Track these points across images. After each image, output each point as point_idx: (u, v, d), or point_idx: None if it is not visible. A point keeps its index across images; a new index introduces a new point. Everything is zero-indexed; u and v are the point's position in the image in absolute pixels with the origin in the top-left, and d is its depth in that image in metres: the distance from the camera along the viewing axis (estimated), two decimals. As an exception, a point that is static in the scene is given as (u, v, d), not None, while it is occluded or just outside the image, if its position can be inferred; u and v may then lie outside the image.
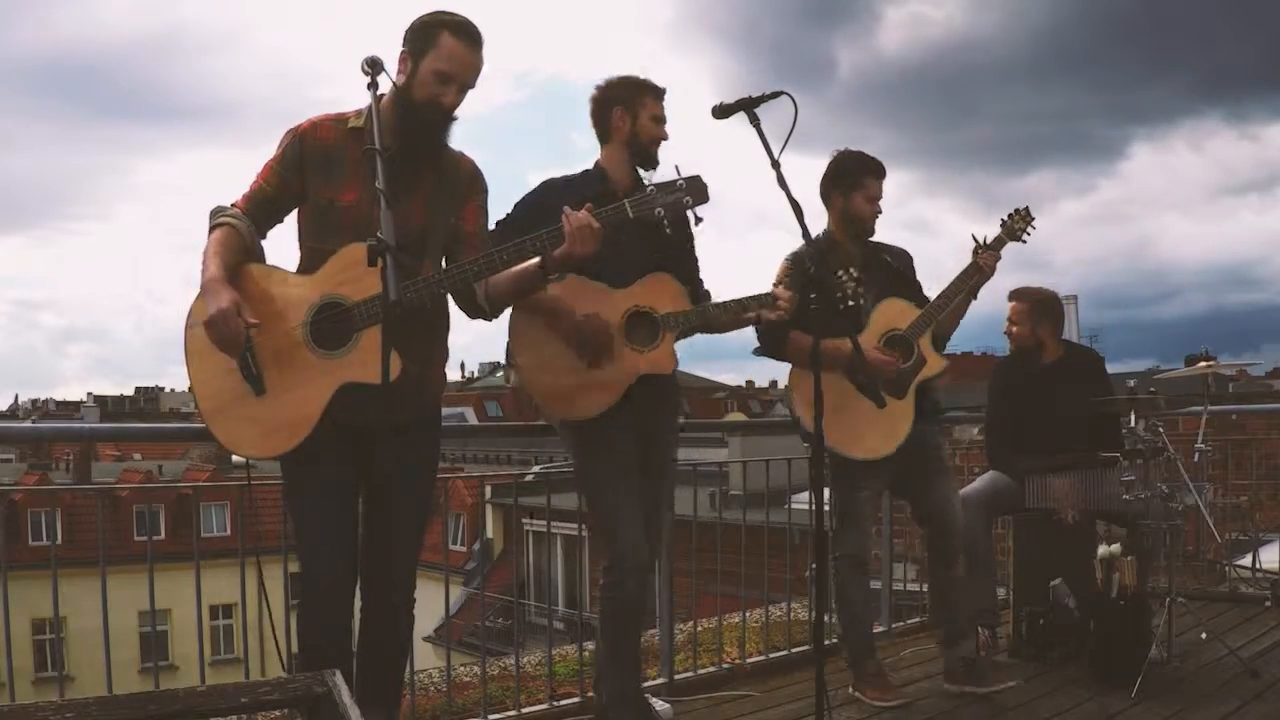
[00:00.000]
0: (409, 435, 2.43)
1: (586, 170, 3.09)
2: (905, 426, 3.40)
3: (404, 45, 2.43)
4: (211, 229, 2.40)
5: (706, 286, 3.20)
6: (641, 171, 3.05)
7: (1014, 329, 4.26)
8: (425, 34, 2.40)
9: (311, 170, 2.43)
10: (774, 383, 63.71)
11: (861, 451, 3.39)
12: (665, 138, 3.05)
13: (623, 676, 3.10)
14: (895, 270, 3.60)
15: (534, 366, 2.93)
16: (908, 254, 3.70)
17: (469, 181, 2.59)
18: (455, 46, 2.39)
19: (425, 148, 2.47)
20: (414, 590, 2.63)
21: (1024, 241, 3.59)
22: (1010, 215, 3.60)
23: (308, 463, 2.40)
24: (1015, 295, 4.29)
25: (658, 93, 3.05)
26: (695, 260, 3.21)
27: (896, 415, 3.37)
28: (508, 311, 2.82)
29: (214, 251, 2.36)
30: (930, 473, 3.58)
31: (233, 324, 2.23)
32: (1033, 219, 3.61)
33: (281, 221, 2.50)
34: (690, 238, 3.16)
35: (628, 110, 3.01)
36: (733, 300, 3.02)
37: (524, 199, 3.00)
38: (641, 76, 3.06)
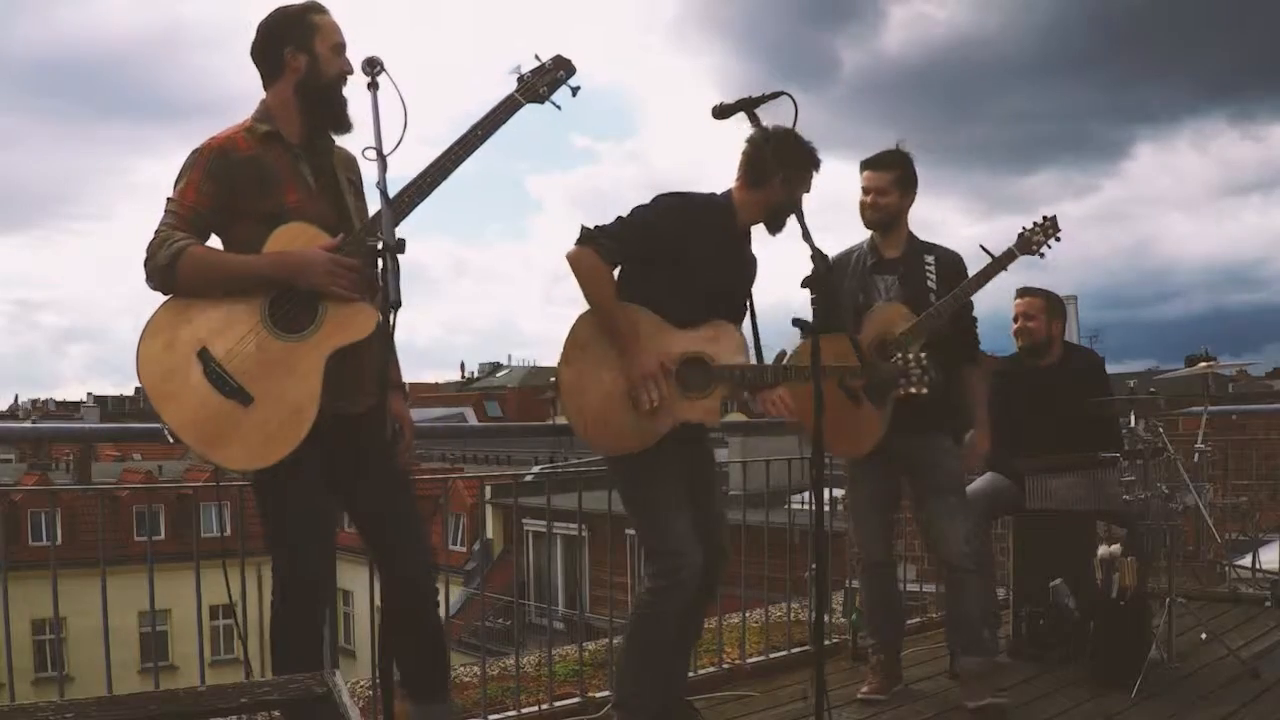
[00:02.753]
0: (374, 422, 2.39)
1: (714, 196, 3.00)
2: (875, 433, 3.34)
3: (284, 45, 2.44)
4: (179, 252, 2.29)
5: None
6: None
7: (1030, 324, 4.20)
8: (299, 24, 2.45)
9: (243, 184, 2.38)
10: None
11: (831, 451, 3.48)
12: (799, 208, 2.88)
13: (644, 680, 2.99)
14: (926, 275, 3.44)
15: (578, 389, 2.84)
16: (956, 257, 3.53)
17: (349, 162, 2.60)
18: (327, 21, 2.47)
19: (341, 123, 2.48)
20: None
21: (1041, 255, 3.42)
22: (1032, 226, 3.40)
23: (290, 461, 2.33)
24: (1029, 292, 4.24)
25: (818, 169, 2.97)
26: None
27: (867, 421, 3.33)
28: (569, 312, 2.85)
29: (223, 258, 2.36)
30: (922, 489, 3.52)
31: (338, 262, 2.28)
32: (1058, 230, 3.39)
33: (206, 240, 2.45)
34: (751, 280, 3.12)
35: (789, 182, 2.87)
36: (782, 365, 3.02)
37: (653, 208, 2.91)
38: (812, 147, 2.95)
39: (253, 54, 2.50)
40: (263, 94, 2.48)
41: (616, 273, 2.93)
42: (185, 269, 2.30)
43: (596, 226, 2.85)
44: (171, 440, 2.30)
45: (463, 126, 2.49)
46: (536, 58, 2.59)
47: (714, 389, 2.90)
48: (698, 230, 2.90)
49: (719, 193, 3.02)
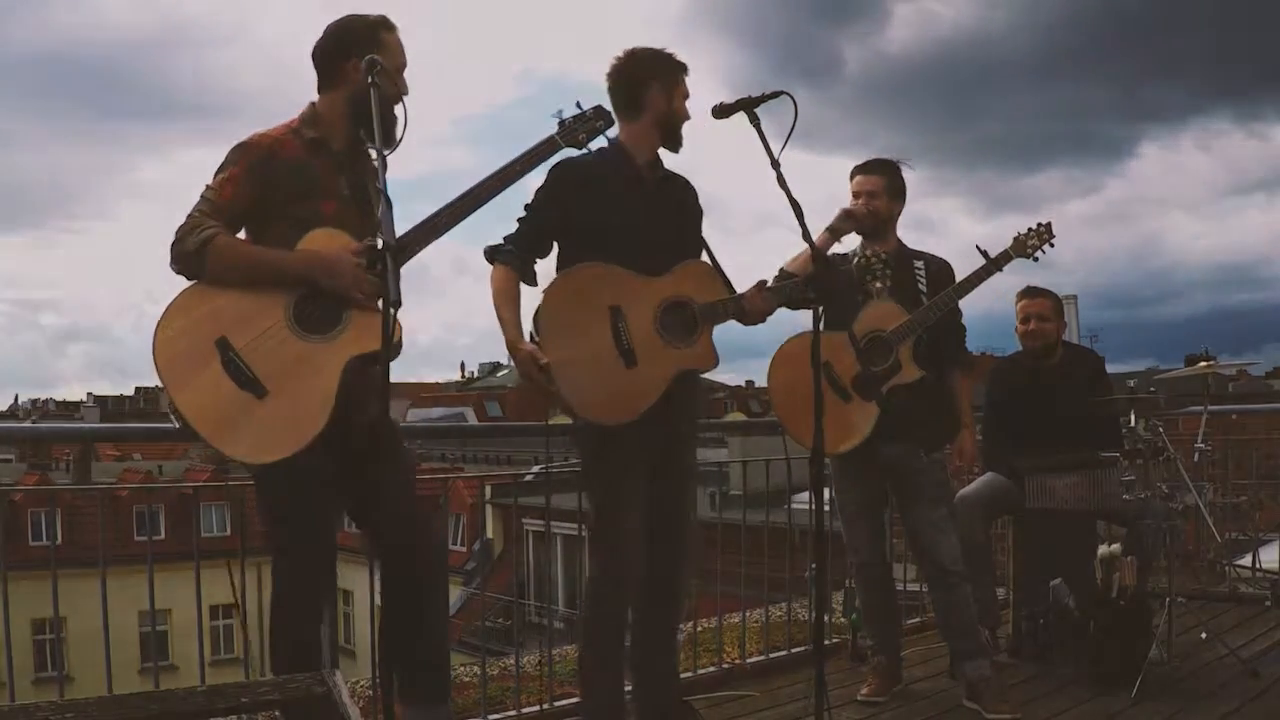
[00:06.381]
0: (382, 425, 2.42)
1: (602, 149, 2.84)
2: (863, 429, 3.32)
3: (353, 55, 2.41)
4: (209, 239, 2.30)
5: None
6: (663, 152, 2.88)
7: (1047, 325, 4.21)
8: (372, 39, 2.44)
9: (285, 188, 2.40)
10: (774, 383, 63.77)
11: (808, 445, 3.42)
12: (689, 118, 2.88)
13: (599, 682, 2.90)
14: (916, 279, 3.48)
15: (567, 364, 2.68)
16: (945, 264, 3.57)
17: (375, 171, 2.57)
18: (395, 40, 2.50)
19: (390, 141, 2.41)
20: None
21: (1035, 259, 3.46)
22: (1027, 231, 3.47)
23: (295, 463, 2.32)
24: (1038, 293, 4.25)
25: (686, 70, 2.88)
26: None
27: (856, 416, 3.32)
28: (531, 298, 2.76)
29: (252, 250, 2.38)
30: (907, 499, 3.50)
31: (352, 263, 2.32)
32: (1052, 237, 3.47)
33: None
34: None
35: (664, 88, 2.82)
36: (770, 287, 2.94)
37: (546, 185, 2.83)
38: (668, 51, 2.86)
39: (316, 56, 2.50)
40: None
41: (554, 257, 2.85)
42: (214, 256, 2.32)
43: (504, 238, 2.80)
44: (177, 425, 2.30)
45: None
46: (578, 105, 2.68)
47: (702, 330, 2.82)
48: (591, 185, 2.79)
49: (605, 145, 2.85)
